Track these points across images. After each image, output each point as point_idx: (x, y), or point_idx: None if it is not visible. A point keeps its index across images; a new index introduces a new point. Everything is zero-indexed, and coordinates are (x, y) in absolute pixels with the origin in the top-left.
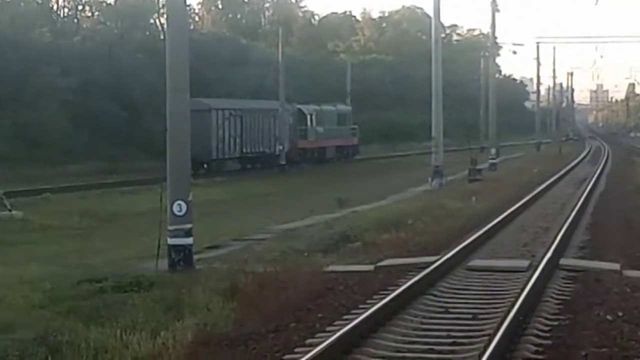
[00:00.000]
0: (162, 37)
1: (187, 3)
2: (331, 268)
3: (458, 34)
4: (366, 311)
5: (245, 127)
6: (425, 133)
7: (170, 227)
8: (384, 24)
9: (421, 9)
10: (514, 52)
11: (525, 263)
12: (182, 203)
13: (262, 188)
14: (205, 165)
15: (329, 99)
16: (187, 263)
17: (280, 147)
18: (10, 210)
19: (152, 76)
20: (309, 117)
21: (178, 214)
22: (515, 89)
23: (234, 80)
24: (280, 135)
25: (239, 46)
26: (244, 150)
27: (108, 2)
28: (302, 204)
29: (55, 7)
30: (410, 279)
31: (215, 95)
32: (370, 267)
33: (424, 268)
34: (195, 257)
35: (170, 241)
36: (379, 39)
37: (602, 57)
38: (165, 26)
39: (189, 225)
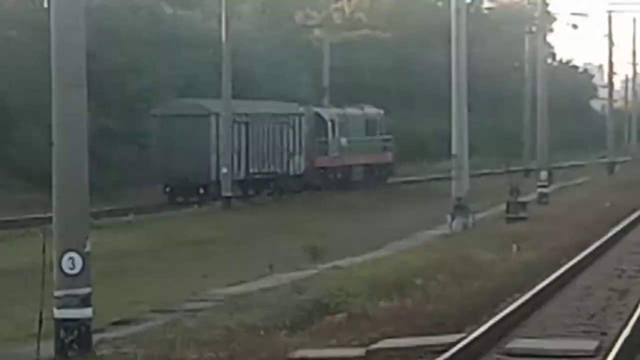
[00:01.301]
0: (46, 4)
1: None
2: (301, 354)
3: (491, 0)
4: None
5: (253, 138)
6: (441, 148)
7: (57, 293)
8: None
9: None
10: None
11: (592, 344)
12: (76, 256)
13: (198, 231)
14: (201, 190)
15: (296, 96)
16: (84, 346)
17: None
18: None
19: (31, 63)
20: (329, 124)
21: (70, 272)
22: (576, 82)
23: (154, 70)
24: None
25: (162, 19)
26: (250, 169)
27: None
28: (258, 254)
29: None
30: None
31: (120, 95)
32: (360, 352)
33: (441, 353)
34: (96, 337)
35: (58, 313)
36: (372, 8)
37: None
38: None
39: (86, 290)
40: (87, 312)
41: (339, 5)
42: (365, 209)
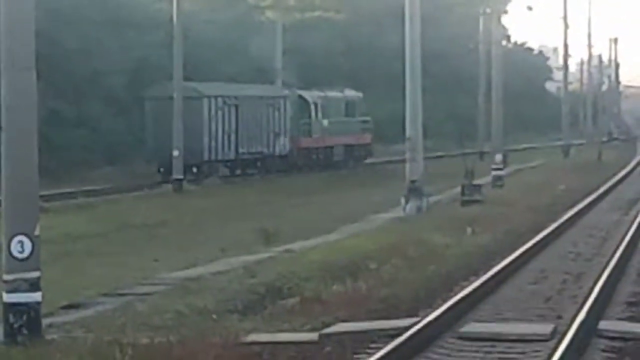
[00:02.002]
0: None
1: None
2: (253, 338)
3: None
4: None
5: (242, 120)
6: (395, 130)
7: (6, 277)
8: None
9: None
10: (530, 8)
11: (547, 328)
12: (26, 240)
13: (149, 214)
14: (194, 169)
15: (248, 78)
16: (33, 331)
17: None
18: None
19: None
20: (313, 106)
21: (19, 256)
22: (531, 64)
23: (104, 52)
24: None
25: (112, 0)
26: (240, 150)
27: None
28: (210, 238)
29: None
30: (372, 355)
31: (70, 77)
32: (313, 336)
33: (395, 337)
34: (46, 321)
35: (7, 297)
36: None
37: None
38: None
39: (35, 274)
40: (36, 296)
41: None
42: (320, 192)
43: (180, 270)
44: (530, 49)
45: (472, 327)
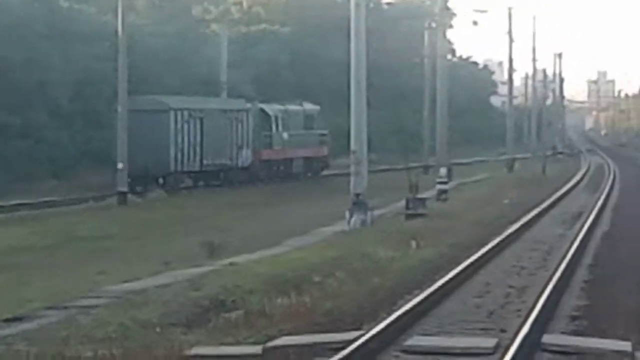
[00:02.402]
0: None
1: None
2: (196, 351)
3: None
4: None
5: (206, 132)
6: (341, 144)
7: None
8: None
9: None
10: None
11: (491, 342)
12: None
13: (94, 226)
14: (161, 180)
15: (193, 90)
16: None
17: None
18: None
19: None
20: (273, 119)
21: None
22: (476, 78)
23: (49, 63)
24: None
25: (57, 12)
26: (205, 161)
27: None
28: (155, 251)
29: None
30: None
31: (15, 88)
32: (257, 350)
33: (339, 350)
34: None
35: None
36: (271, 1)
37: (603, 30)
38: None
39: None
40: None
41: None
42: (266, 205)
43: (125, 283)
44: (476, 63)
45: (416, 340)
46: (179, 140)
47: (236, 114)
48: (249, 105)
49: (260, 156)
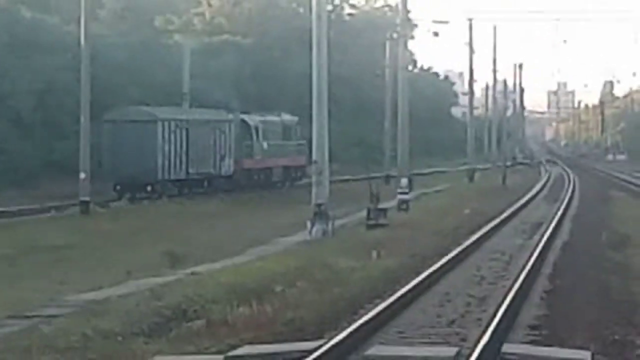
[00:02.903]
0: None
1: None
2: None
3: (352, 6)
4: None
5: (192, 142)
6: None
7: None
8: None
9: None
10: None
11: (451, 351)
12: None
13: (56, 236)
14: (149, 188)
15: (156, 101)
16: None
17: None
18: None
19: None
20: (254, 130)
21: None
22: (437, 89)
23: (12, 73)
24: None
25: (19, 22)
26: (190, 170)
27: None
28: (117, 261)
29: None
30: None
31: None
32: (218, 359)
33: (300, 359)
34: None
35: None
36: (233, 12)
37: (565, 41)
38: None
39: None
40: None
41: (199, 10)
42: (230, 215)
43: (87, 293)
44: (437, 74)
45: (377, 349)
46: (166, 149)
47: (219, 124)
48: (231, 116)
49: (242, 165)
